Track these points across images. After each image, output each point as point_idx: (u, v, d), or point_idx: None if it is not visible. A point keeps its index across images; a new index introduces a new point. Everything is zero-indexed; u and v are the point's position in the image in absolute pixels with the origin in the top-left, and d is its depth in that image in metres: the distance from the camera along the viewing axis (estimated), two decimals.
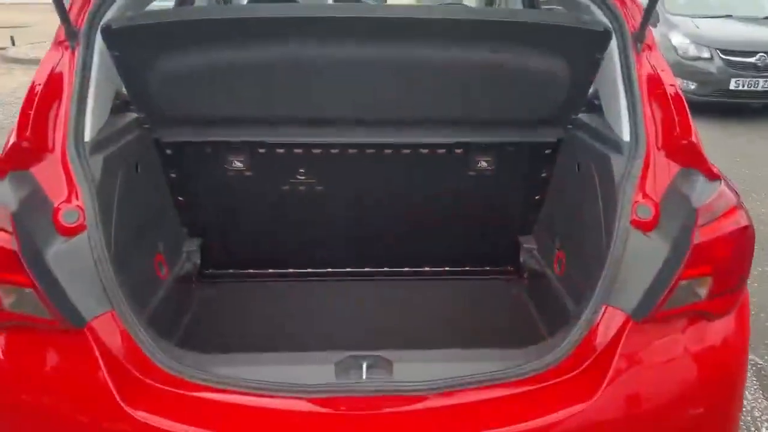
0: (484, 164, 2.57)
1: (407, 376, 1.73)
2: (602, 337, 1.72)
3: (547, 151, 2.51)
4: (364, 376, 1.75)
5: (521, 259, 2.85)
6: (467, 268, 3.00)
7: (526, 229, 2.87)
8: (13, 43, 13.11)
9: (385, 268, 2.99)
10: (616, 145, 1.97)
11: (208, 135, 2.44)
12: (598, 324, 1.72)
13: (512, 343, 2.42)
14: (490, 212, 2.76)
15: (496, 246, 2.91)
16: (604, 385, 1.66)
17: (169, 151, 2.47)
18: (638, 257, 1.71)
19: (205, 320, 2.74)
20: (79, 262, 1.69)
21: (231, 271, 3.00)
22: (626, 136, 1.91)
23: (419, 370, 1.76)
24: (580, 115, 2.38)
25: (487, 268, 3.01)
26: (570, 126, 2.42)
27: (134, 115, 2.32)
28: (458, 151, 2.51)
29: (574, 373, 1.72)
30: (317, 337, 2.53)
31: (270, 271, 3.00)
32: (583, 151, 2.27)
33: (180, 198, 2.66)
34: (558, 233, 2.55)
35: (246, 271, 3.00)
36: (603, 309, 1.73)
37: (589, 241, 2.09)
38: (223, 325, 2.70)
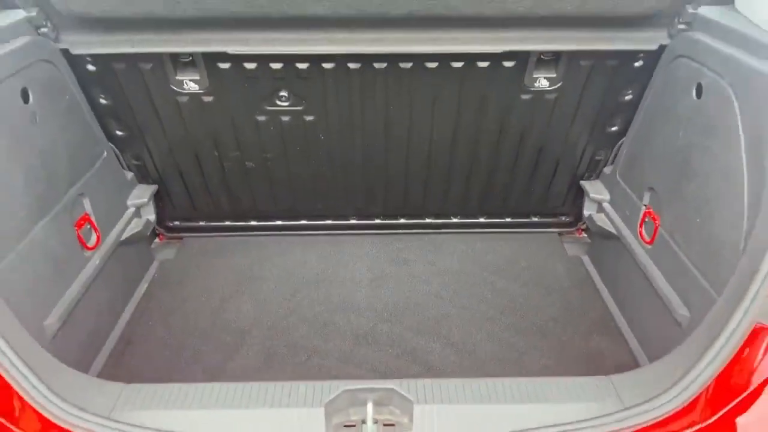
0: (544, 83, 1.87)
1: (438, 428, 1.15)
2: (758, 374, 1.13)
3: (637, 64, 1.82)
4: (369, 427, 1.17)
5: (585, 212, 2.24)
6: (508, 220, 2.41)
7: (593, 171, 2.23)
8: None
9: (401, 220, 2.41)
10: None
11: (142, 44, 1.72)
12: (748, 351, 1.14)
13: (573, 333, 1.94)
14: (545, 146, 2.09)
15: (548, 191, 2.29)
16: None
17: (91, 67, 1.78)
18: None
19: (163, 292, 2.17)
20: None
21: (201, 223, 2.39)
22: None
23: (457, 419, 1.17)
24: (701, 9, 1.64)
25: (535, 219, 2.40)
26: (683, 26, 1.70)
27: (23, 13, 1.60)
28: (508, 63, 1.81)
29: (710, 421, 1.15)
30: (310, 322, 2.02)
31: (252, 223, 2.40)
32: (709, 64, 1.56)
33: (119, 133, 2.01)
34: (648, 184, 1.87)
35: (221, 223, 2.39)
36: (754, 329, 1.14)
37: (718, 210, 1.45)
38: (184, 300, 2.13)
